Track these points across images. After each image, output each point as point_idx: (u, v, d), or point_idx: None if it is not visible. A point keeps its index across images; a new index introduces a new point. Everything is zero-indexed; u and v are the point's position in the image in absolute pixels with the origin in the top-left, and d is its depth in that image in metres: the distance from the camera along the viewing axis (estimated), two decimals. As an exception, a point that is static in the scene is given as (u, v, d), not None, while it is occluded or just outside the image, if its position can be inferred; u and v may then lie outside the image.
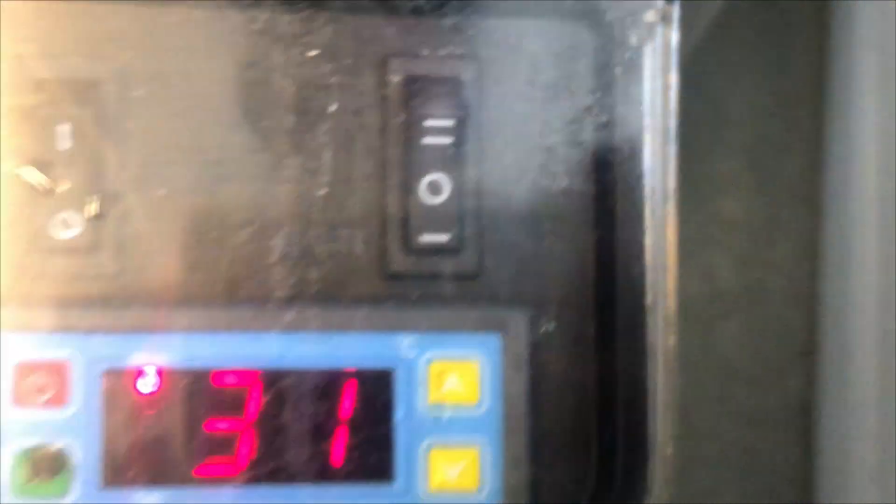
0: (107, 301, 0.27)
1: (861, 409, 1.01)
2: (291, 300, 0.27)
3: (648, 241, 0.28)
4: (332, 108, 0.27)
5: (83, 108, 0.26)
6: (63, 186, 0.26)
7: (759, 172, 1.23)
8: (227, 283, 0.27)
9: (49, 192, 0.26)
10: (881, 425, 0.95)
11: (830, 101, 1.32)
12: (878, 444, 0.92)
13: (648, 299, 0.28)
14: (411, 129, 0.27)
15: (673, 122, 0.28)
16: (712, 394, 1.14)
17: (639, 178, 0.27)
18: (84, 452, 0.27)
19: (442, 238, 0.27)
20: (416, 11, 0.27)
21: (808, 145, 1.26)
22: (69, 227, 0.27)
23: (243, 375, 0.27)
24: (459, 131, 0.27)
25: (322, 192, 0.27)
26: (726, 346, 1.18)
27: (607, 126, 0.28)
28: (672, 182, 0.28)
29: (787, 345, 1.23)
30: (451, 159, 0.27)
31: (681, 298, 1.01)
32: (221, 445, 0.28)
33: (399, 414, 0.28)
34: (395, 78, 0.27)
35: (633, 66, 0.27)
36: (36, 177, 0.26)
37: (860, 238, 1.08)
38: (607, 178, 0.28)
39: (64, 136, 0.26)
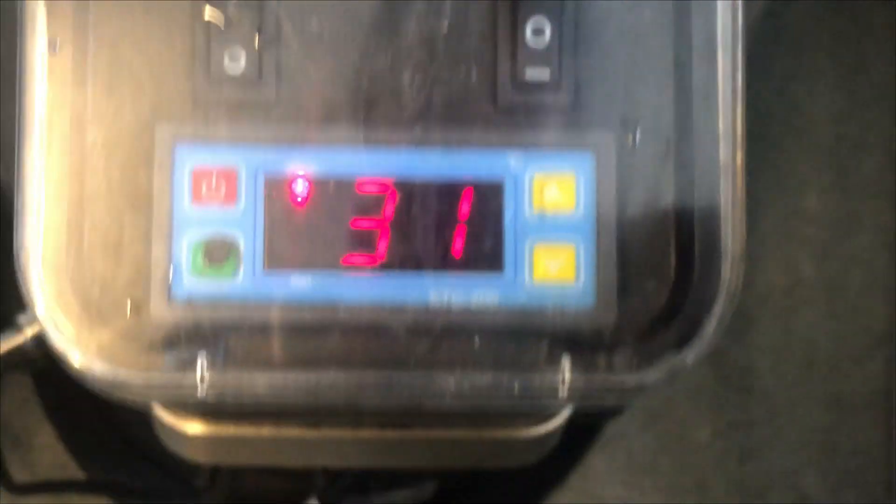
0: (268, 119, 0.33)
1: None
2: (419, 121, 0.33)
3: (721, 81, 0.34)
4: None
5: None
6: (233, 26, 0.33)
7: (839, 170, 1.28)
8: (367, 106, 0.33)
9: (222, 30, 0.33)
10: None
11: None
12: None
13: (721, 125, 0.34)
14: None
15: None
16: (794, 379, 1.16)
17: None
18: (249, 242, 0.33)
19: (544, 74, 0.34)
20: None
21: (885, 143, 1.32)
22: (237, 60, 0.33)
23: (380, 184, 0.33)
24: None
25: (444, 31, 0.33)
26: (808, 333, 1.21)
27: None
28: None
29: (867, 333, 1.26)
30: (554, 6, 0.34)
31: (764, 289, 1.06)
32: (363, 240, 0.33)
33: (508, 217, 0.33)
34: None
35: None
36: (214, 15, 0.33)
37: None
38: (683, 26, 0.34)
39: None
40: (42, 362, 0.99)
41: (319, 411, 0.40)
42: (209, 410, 0.46)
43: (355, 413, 0.41)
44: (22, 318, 0.89)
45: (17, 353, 0.89)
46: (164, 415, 0.47)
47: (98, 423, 1.01)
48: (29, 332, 0.89)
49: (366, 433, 0.46)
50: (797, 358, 1.17)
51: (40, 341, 0.85)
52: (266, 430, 0.47)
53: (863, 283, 1.22)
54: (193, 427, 0.47)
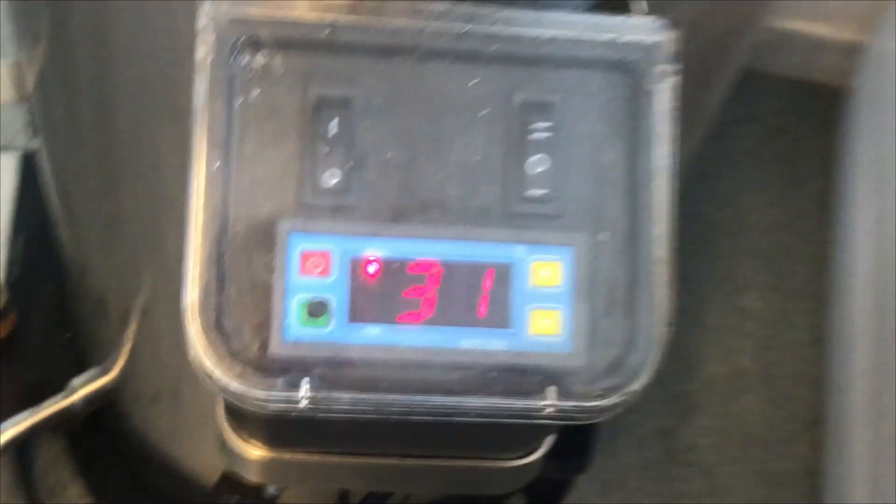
0: (352, 219, 0.48)
1: (859, 474, 1.19)
2: (456, 222, 0.48)
3: (657, 200, 0.49)
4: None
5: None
6: (332, 154, 0.48)
7: (775, 274, 1.46)
8: (420, 211, 0.48)
9: (325, 157, 0.48)
10: (874, 488, 1.12)
11: (833, 217, 1.57)
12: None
13: (656, 229, 0.49)
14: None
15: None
16: (732, 457, 1.31)
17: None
18: (338, 303, 0.47)
19: (541, 193, 0.49)
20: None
21: (815, 251, 1.50)
22: (334, 177, 0.48)
23: (427, 265, 0.48)
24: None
25: (476, 160, 0.49)
26: (746, 416, 1.37)
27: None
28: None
29: (796, 418, 1.42)
30: (550, 145, 0.49)
31: (707, 377, 1.23)
32: (412, 304, 0.48)
33: (514, 290, 0.48)
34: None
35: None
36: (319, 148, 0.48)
37: (859, 327, 1.29)
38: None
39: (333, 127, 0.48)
40: (78, 424, 1.14)
41: (372, 431, 0.55)
42: (268, 439, 0.60)
43: (397, 433, 0.55)
44: (75, 381, 1.03)
45: (68, 411, 1.03)
46: (232, 440, 0.62)
47: (124, 481, 1.13)
48: (81, 393, 1.04)
49: (386, 461, 0.61)
50: (735, 438, 1.32)
51: (90, 400, 1.00)
52: (310, 457, 0.62)
53: (794, 374, 1.38)
54: (255, 452, 0.61)
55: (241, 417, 0.60)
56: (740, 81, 1.51)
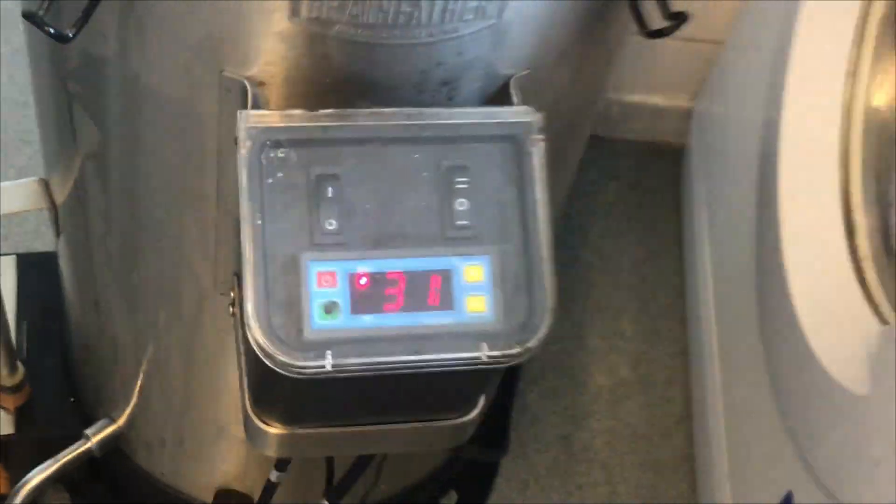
0: (347, 250, 0.74)
1: (721, 456, 1.46)
2: (415, 247, 0.75)
3: (541, 236, 0.77)
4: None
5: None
6: (328, 210, 0.75)
7: (642, 301, 1.75)
8: (390, 244, 0.75)
9: (325, 212, 0.75)
10: (732, 467, 1.40)
11: (684, 251, 1.88)
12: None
13: (544, 252, 0.77)
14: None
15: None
16: (623, 451, 1.58)
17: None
18: (343, 302, 0.73)
19: (465, 224, 0.76)
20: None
21: (673, 281, 1.80)
22: (332, 224, 0.75)
23: (397, 274, 0.75)
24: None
25: (422, 207, 0.76)
26: (630, 418, 1.66)
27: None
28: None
29: (671, 415, 1.71)
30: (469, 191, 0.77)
31: (595, 388, 1.54)
32: (390, 299, 0.74)
33: (454, 285, 0.75)
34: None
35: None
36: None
37: (709, 337, 1.57)
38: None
39: (329, 193, 0.75)
40: (80, 476, 1.38)
41: (361, 400, 0.80)
42: (288, 417, 0.86)
43: (379, 399, 0.81)
44: (89, 431, 1.27)
45: (87, 453, 1.27)
46: (256, 424, 0.87)
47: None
48: (94, 440, 1.28)
49: (366, 428, 0.87)
50: (623, 436, 1.60)
51: (102, 445, 1.24)
52: (310, 431, 0.87)
53: (665, 380, 1.67)
54: (275, 429, 0.87)
55: (265, 402, 0.85)
56: (599, 146, 1.83)
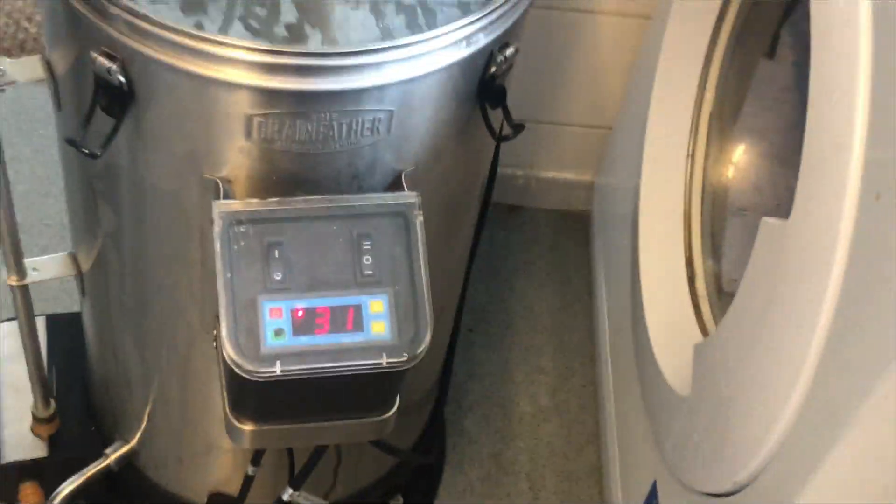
0: (290, 291, 1.09)
1: (617, 467, 1.78)
2: (338, 288, 1.10)
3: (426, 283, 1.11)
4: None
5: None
6: (276, 265, 1.09)
7: (559, 341, 2.12)
8: (318, 285, 1.09)
9: (273, 266, 1.09)
10: (624, 479, 1.71)
11: (593, 301, 2.24)
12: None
13: (423, 281, 1.11)
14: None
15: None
16: (543, 464, 1.91)
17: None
18: (287, 328, 1.07)
19: (370, 273, 1.11)
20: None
21: (585, 324, 2.18)
22: (279, 275, 1.09)
23: (324, 309, 1.09)
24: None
25: (341, 253, 1.10)
26: (549, 438, 2.01)
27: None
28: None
29: (583, 434, 2.07)
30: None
31: (518, 415, 1.94)
32: (320, 325, 1.08)
33: (363, 316, 1.09)
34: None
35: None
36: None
37: (605, 374, 1.90)
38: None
39: (276, 254, 1.10)
40: (100, 489, 1.73)
41: (303, 402, 1.14)
42: (256, 416, 1.19)
43: (317, 401, 1.14)
44: (107, 451, 1.62)
45: (107, 469, 1.62)
46: (232, 423, 1.21)
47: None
48: (112, 458, 1.63)
49: (311, 425, 1.20)
50: (543, 453, 1.92)
51: (119, 461, 1.60)
52: (272, 426, 1.20)
53: (578, 406, 2.00)
54: (247, 426, 1.20)
55: (238, 406, 1.18)
56: (522, 215, 2.17)
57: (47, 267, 1.32)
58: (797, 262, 0.99)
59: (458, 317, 1.46)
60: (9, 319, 1.64)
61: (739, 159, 1.48)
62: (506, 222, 2.06)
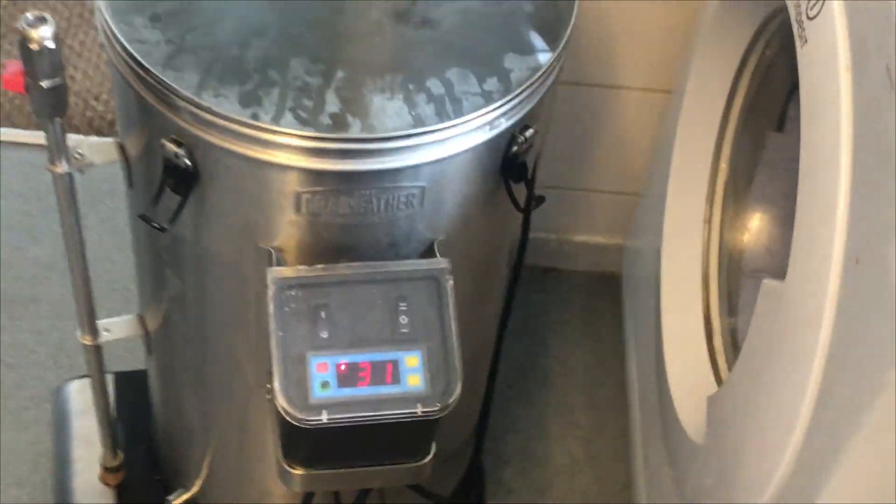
0: (334, 348, 1.21)
1: None
2: (374, 345, 1.22)
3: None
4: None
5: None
6: (323, 325, 1.22)
7: (593, 396, 2.23)
8: (360, 342, 1.22)
9: (321, 326, 1.22)
10: None
11: (624, 358, 2.36)
12: None
13: (454, 339, 1.23)
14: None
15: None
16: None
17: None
18: (333, 381, 1.20)
19: (406, 331, 1.23)
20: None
21: (617, 380, 2.29)
22: (325, 333, 1.22)
23: (365, 363, 1.21)
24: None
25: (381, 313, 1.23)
26: (584, 487, 2.10)
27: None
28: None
29: (617, 482, 2.13)
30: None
31: (556, 465, 2.06)
32: (362, 378, 1.21)
33: (400, 369, 1.21)
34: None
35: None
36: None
37: (636, 426, 1.99)
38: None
39: (323, 314, 1.22)
40: None
41: (350, 448, 1.26)
42: (306, 462, 1.31)
43: (362, 447, 1.26)
44: (169, 497, 1.76)
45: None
46: (285, 467, 1.33)
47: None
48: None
49: (357, 469, 1.32)
50: (576, 499, 2.02)
51: None
52: (321, 471, 1.32)
53: (611, 457, 2.09)
54: (298, 471, 1.32)
55: (290, 453, 1.30)
56: (557, 277, 2.29)
57: (118, 327, 1.44)
58: (791, 320, 1.10)
59: (493, 371, 1.57)
60: (80, 377, 1.78)
61: (753, 224, 1.58)
62: (542, 284, 2.17)
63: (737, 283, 1.55)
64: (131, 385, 1.72)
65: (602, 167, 1.92)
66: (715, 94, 1.54)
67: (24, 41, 1.01)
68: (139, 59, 1.06)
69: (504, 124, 1.10)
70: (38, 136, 1.29)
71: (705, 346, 1.53)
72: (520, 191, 1.26)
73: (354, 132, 1.03)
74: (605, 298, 2.15)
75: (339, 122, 1.04)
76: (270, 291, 1.09)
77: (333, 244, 1.14)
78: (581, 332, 2.15)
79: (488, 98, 1.14)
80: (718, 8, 1.50)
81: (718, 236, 1.59)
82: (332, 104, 1.12)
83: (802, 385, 1.05)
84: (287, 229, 1.12)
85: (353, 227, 1.13)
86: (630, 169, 2.00)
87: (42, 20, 1.08)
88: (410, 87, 1.14)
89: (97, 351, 1.40)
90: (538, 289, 2.21)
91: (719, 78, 1.54)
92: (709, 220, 1.60)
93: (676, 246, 1.63)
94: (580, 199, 1.97)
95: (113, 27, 1.14)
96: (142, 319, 1.46)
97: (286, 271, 1.10)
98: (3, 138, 2.19)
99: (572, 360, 2.14)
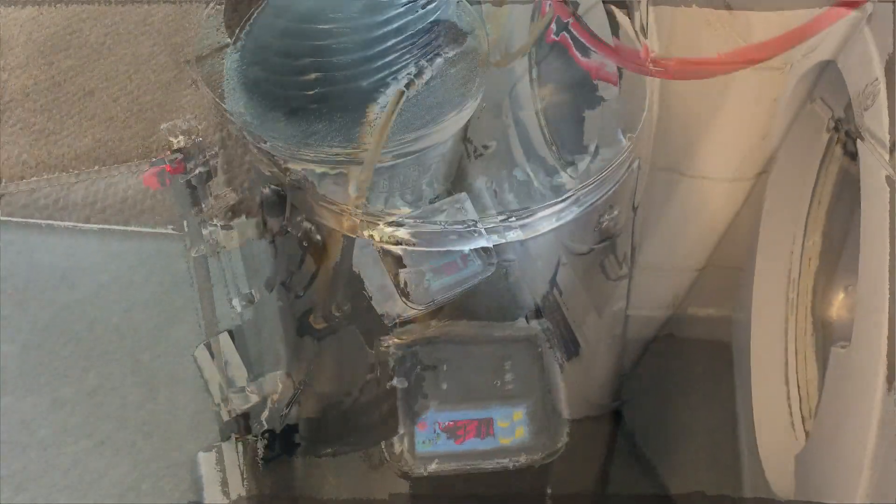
0: (441, 404, 1.34)
1: None
2: (479, 401, 1.34)
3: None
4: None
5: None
6: (433, 382, 1.34)
7: (713, 459, 2.22)
8: (465, 399, 1.34)
9: (430, 384, 1.34)
10: None
11: (738, 421, 2.32)
12: None
13: (555, 399, 1.34)
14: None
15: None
16: None
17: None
18: (440, 436, 1.32)
19: (511, 387, 1.35)
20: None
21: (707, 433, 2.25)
22: (438, 397, 1.34)
23: (468, 420, 1.33)
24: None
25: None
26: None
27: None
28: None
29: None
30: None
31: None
32: (466, 433, 1.32)
33: (504, 423, 1.33)
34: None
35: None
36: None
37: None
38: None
39: (434, 375, 1.35)
40: None
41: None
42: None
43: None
44: None
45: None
46: None
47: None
48: None
49: None
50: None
51: None
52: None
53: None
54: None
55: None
56: (675, 345, 2.35)
57: (272, 382, 1.58)
58: (852, 383, 1.17)
59: (613, 435, 1.67)
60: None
61: (840, 297, 1.64)
62: (662, 352, 2.25)
63: (825, 354, 1.61)
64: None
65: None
66: (801, 184, 1.61)
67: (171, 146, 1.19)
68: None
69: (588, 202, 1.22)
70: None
71: (799, 411, 1.58)
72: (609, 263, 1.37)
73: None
74: (722, 363, 2.21)
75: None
76: (392, 358, 1.28)
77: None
78: (703, 395, 2.19)
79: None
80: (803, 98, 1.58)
81: (809, 307, 1.64)
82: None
83: (864, 438, 1.12)
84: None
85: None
86: (736, 245, 2.07)
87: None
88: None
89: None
90: (660, 356, 2.28)
91: (808, 155, 1.61)
92: (797, 292, 1.65)
93: (765, 316, 1.68)
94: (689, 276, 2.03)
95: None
96: (286, 375, 1.59)
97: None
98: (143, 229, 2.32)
99: (699, 420, 2.17)
